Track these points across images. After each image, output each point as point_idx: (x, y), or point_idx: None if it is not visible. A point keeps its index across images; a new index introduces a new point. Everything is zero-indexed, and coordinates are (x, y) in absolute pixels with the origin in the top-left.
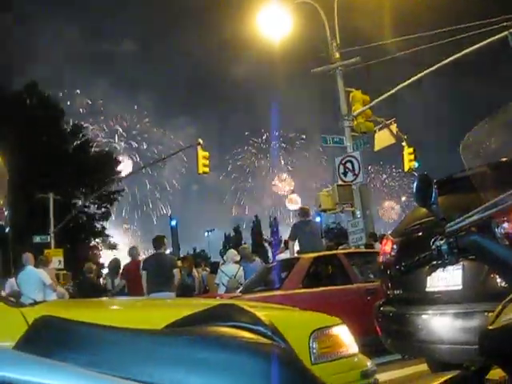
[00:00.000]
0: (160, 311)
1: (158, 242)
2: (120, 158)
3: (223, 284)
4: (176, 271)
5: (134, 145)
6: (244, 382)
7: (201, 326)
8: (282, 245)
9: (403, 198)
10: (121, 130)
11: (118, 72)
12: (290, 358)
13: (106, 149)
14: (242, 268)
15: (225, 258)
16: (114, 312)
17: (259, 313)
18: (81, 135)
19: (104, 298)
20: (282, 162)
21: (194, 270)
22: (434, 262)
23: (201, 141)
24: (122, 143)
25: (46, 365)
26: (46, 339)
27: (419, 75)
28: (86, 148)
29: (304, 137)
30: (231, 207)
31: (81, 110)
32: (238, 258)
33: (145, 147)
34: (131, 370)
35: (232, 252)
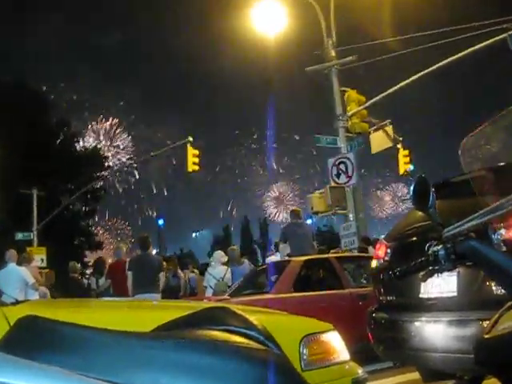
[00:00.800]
0: (148, 313)
1: (143, 242)
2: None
3: (210, 286)
4: (162, 274)
5: (120, 143)
6: None
7: (191, 330)
8: (273, 247)
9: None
10: (107, 126)
11: (104, 65)
12: (283, 364)
13: (93, 144)
14: (229, 270)
15: (211, 259)
16: (101, 313)
17: (251, 317)
18: (66, 130)
19: (89, 298)
20: (274, 164)
21: (180, 271)
22: (430, 268)
23: (190, 138)
24: (107, 140)
25: (29, 367)
26: (30, 340)
27: (417, 75)
28: (71, 143)
29: (297, 137)
30: (220, 208)
31: (65, 104)
32: (225, 259)
33: (130, 145)
34: (119, 373)
35: (219, 253)
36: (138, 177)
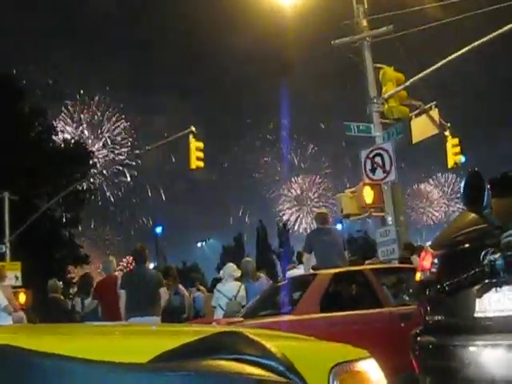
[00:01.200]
0: (145, 340)
1: (139, 253)
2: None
3: (221, 307)
4: (163, 290)
5: (107, 135)
6: None
7: (197, 360)
8: (294, 258)
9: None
10: (90, 115)
11: (87, 43)
12: None
13: (75, 138)
14: (243, 287)
15: (221, 274)
16: (87, 340)
17: (269, 343)
18: (42, 120)
19: (73, 323)
20: (294, 157)
21: (182, 288)
22: (486, 281)
23: (193, 129)
24: (91, 132)
25: None
26: (2, 374)
27: (466, 48)
28: (49, 137)
29: (322, 126)
30: (230, 212)
31: (40, 91)
32: (238, 274)
33: (119, 138)
34: None
35: (231, 267)
36: (129, 177)
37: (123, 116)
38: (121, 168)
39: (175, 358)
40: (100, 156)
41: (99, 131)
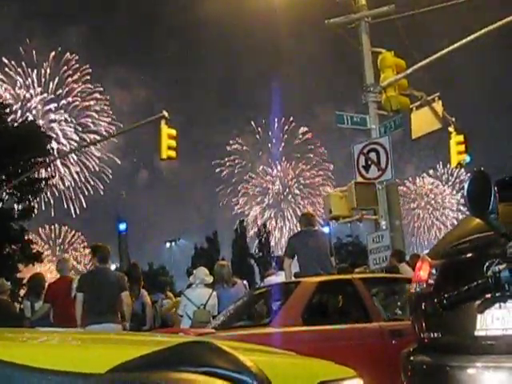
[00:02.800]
0: (103, 349)
1: (101, 251)
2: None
3: (188, 315)
4: (125, 295)
5: (63, 117)
6: None
7: (160, 372)
8: (274, 264)
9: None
10: (38, 89)
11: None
12: None
13: (30, 118)
14: (215, 294)
15: (191, 278)
16: (37, 348)
17: (243, 356)
18: None
19: (22, 329)
20: (278, 150)
21: (144, 293)
22: (489, 295)
23: (166, 113)
24: (40, 107)
25: None
26: None
27: (476, 34)
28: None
29: (313, 113)
30: (204, 210)
31: None
32: (211, 279)
33: (71, 120)
34: None
35: (202, 271)
36: (91, 166)
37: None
38: (79, 155)
39: (136, 369)
40: (56, 134)
41: (56, 109)
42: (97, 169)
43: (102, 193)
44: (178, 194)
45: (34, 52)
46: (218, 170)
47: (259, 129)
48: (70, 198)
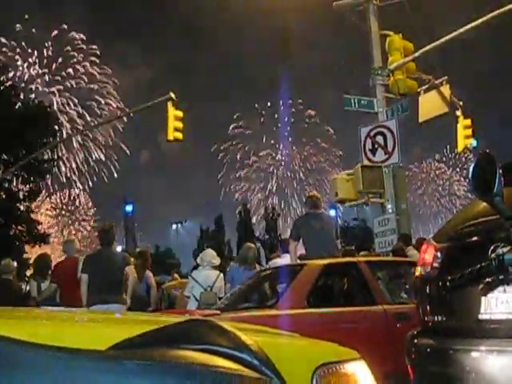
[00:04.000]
0: (106, 328)
1: (106, 233)
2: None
3: (194, 297)
4: (129, 269)
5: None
6: None
7: (160, 348)
8: (279, 246)
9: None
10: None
11: None
12: None
13: (37, 99)
14: (221, 276)
15: (198, 260)
16: (42, 326)
17: (245, 336)
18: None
19: (28, 308)
20: (286, 133)
21: (149, 274)
22: (493, 278)
23: (172, 95)
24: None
25: None
26: None
27: (487, 17)
28: (8, 97)
29: (322, 95)
30: (210, 192)
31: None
32: (218, 261)
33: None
34: None
35: (209, 253)
36: (97, 149)
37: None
38: (85, 138)
39: (137, 346)
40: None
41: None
42: (101, 151)
43: (107, 174)
44: (182, 176)
45: (33, 30)
46: (221, 154)
47: (263, 112)
48: (79, 179)
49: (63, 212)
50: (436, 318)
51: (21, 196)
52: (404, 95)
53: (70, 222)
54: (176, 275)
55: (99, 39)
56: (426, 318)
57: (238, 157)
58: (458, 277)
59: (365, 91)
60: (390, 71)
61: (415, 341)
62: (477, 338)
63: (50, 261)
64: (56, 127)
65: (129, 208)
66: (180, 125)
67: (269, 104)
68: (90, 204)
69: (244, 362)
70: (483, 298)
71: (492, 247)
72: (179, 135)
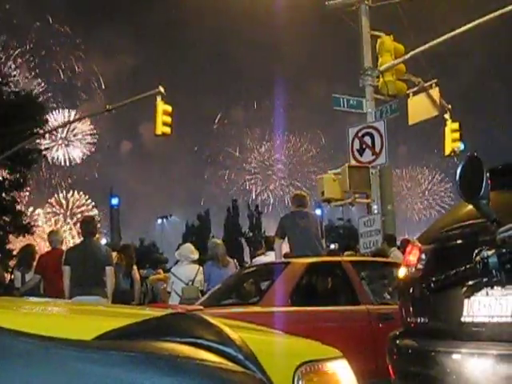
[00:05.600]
0: (87, 319)
1: (87, 225)
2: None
3: (176, 292)
4: (109, 269)
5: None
6: None
7: (145, 341)
8: (263, 244)
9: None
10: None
11: None
12: None
13: (25, 88)
14: (201, 270)
15: (177, 255)
16: (25, 315)
17: (229, 330)
18: None
19: (10, 298)
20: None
21: (135, 270)
22: (476, 281)
23: (162, 89)
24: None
25: None
26: None
27: (478, 21)
28: None
29: (312, 93)
30: (197, 186)
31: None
32: (196, 256)
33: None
34: None
35: (187, 248)
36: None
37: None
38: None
39: (121, 337)
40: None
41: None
42: (83, 142)
43: (91, 167)
44: (172, 169)
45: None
46: (207, 148)
47: (250, 105)
48: (66, 171)
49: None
50: (419, 320)
51: (6, 185)
52: (393, 97)
53: (66, 217)
54: (161, 271)
55: (81, 26)
56: (408, 319)
57: (222, 154)
58: (442, 279)
59: (352, 91)
60: (379, 72)
61: (397, 341)
62: (459, 341)
63: (35, 252)
64: (45, 117)
65: (114, 201)
66: (169, 119)
67: (255, 102)
68: (82, 195)
69: (228, 356)
70: (466, 301)
71: (477, 250)
72: (167, 130)
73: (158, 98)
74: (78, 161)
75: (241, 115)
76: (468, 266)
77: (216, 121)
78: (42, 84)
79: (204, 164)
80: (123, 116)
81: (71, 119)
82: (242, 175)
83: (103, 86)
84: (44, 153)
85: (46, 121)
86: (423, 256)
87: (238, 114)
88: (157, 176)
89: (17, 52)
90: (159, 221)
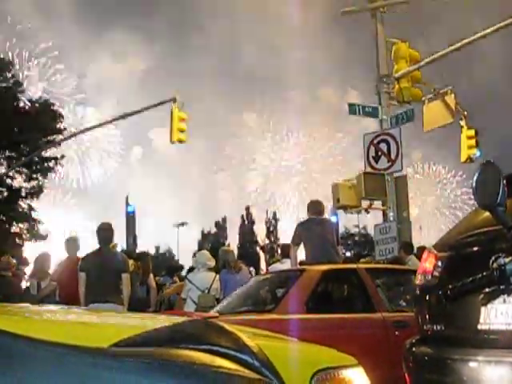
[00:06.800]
0: (104, 326)
1: (104, 232)
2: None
3: (192, 299)
4: (125, 277)
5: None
6: None
7: (161, 348)
8: (280, 251)
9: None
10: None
11: None
12: None
13: (43, 96)
14: (218, 278)
15: (193, 262)
16: (42, 322)
17: (245, 337)
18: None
19: (26, 305)
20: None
21: (152, 279)
22: (493, 288)
23: (177, 97)
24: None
25: None
26: None
27: (497, 26)
28: (13, 93)
29: (324, 99)
30: (215, 194)
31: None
32: (213, 263)
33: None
34: None
35: (204, 255)
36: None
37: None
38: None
39: (138, 345)
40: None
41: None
42: (96, 151)
43: (106, 174)
44: (183, 177)
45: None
46: (224, 154)
47: (264, 110)
48: (82, 178)
49: None
50: (435, 327)
51: (23, 194)
52: (408, 103)
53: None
54: (177, 279)
55: (90, 27)
56: (424, 327)
57: (238, 156)
58: (459, 286)
59: (366, 98)
60: (395, 79)
61: (413, 349)
62: (475, 348)
63: (50, 260)
64: (62, 126)
65: (130, 208)
66: (184, 127)
67: (269, 106)
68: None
69: (245, 363)
70: (483, 308)
71: (493, 257)
72: (183, 137)
73: (174, 106)
74: (98, 180)
75: (255, 120)
76: (485, 274)
77: (230, 125)
78: (55, 90)
79: (218, 170)
80: (135, 122)
81: (85, 127)
82: (257, 180)
83: (113, 91)
84: (59, 161)
85: (64, 129)
86: (439, 263)
87: (252, 118)
88: (170, 182)
89: (33, 60)
90: (175, 228)
